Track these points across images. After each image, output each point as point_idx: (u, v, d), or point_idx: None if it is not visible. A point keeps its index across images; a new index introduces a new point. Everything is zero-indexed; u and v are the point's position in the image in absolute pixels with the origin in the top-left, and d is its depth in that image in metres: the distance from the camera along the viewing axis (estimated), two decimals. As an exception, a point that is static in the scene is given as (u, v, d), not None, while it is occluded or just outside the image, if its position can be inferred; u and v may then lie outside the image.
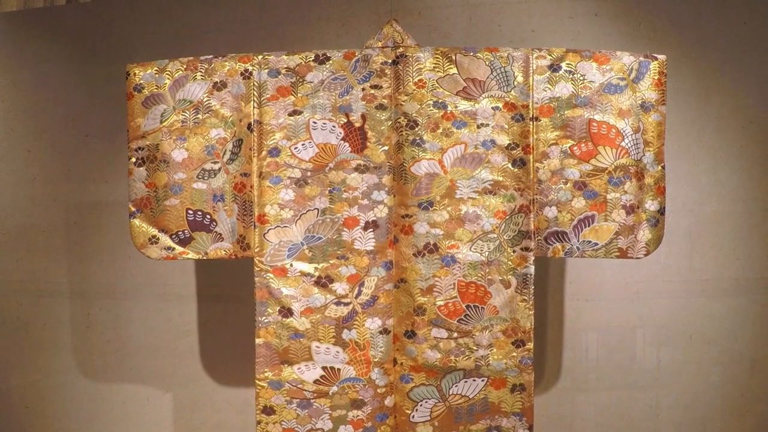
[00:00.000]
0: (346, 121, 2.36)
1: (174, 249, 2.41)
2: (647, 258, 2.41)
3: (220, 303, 3.13)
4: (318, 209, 2.36)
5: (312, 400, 2.38)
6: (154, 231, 2.42)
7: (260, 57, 2.37)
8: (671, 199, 2.87)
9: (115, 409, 3.24)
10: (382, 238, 2.36)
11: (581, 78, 2.32)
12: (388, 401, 2.40)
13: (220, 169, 2.39)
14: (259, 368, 2.37)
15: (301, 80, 2.36)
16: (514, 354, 2.35)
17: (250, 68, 2.37)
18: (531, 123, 2.33)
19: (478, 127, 2.34)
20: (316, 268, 2.36)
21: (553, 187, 2.33)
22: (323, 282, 2.36)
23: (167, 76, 2.39)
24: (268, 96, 2.36)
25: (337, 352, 2.37)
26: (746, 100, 2.92)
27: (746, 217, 2.93)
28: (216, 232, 2.40)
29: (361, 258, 2.36)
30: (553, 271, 2.99)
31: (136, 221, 2.42)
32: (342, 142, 2.36)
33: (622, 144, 2.31)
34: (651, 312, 2.97)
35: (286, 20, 3.07)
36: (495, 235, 2.33)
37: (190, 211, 2.39)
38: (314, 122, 2.36)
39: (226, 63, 2.38)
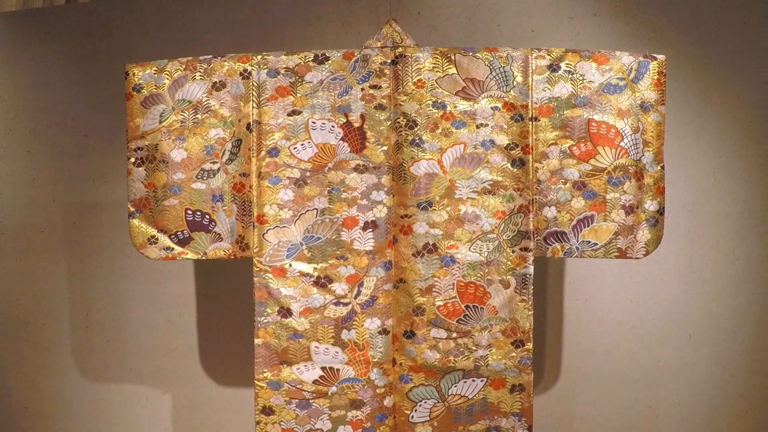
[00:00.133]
0: (345, 121, 2.36)
1: (173, 249, 2.41)
2: (647, 258, 2.41)
3: (220, 303, 3.13)
4: (317, 209, 2.36)
5: (311, 401, 2.38)
6: (153, 231, 2.42)
7: (259, 57, 2.37)
8: (670, 199, 2.86)
9: (115, 409, 3.24)
10: (381, 239, 2.36)
11: (580, 78, 2.32)
12: (388, 401, 2.40)
13: (219, 169, 2.39)
14: (258, 368, 2.37)
15: (300, 80, 2.36)
16: (514, 354, 2.35)
17: (249, 68, 2.37)
18: (530, 123, 2.33)
19: (478, 127, 2.33)
20: (315, 269, 2.36)
21: (553, 187, 2.33)
22: (322, 282, 2.36)
23: (166, 76, 2.39)
24: (267, 96, 2.36)
25: (336, 352, 2.37)
26: (746, 101, 2.91)
27: (746, 218, 2.93)
28: (215, 232, 2.40)
29: (360, 258, 2.36)
30: (552, 271, 2.99)
31: (135, 221, 2.42)
32: (341, 142, 2.36)
33: (622, 144, 2.30)
34: (650, 312, 2.97)
35: (285, 20, 3.07)
36: (494, 236, 2.33)
37: (189, 212, 2.39)
38: (313, 122, 2.36)
39: (225, 63, 2.38)
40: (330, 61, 2.36)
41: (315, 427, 2.38)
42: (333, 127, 2.36)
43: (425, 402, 2.38)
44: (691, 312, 2.96)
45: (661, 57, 2.34)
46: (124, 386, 3.22)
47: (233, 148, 2.39)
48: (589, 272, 2.98)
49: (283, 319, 2.36)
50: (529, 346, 2.35)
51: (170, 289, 3.16)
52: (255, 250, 2.36)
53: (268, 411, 2.38)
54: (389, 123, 2.35)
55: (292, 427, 2.38)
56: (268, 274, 2.36)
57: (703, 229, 2.94)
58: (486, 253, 2.33)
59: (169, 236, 2.41)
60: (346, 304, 2.37)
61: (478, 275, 2.33)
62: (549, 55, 2.33)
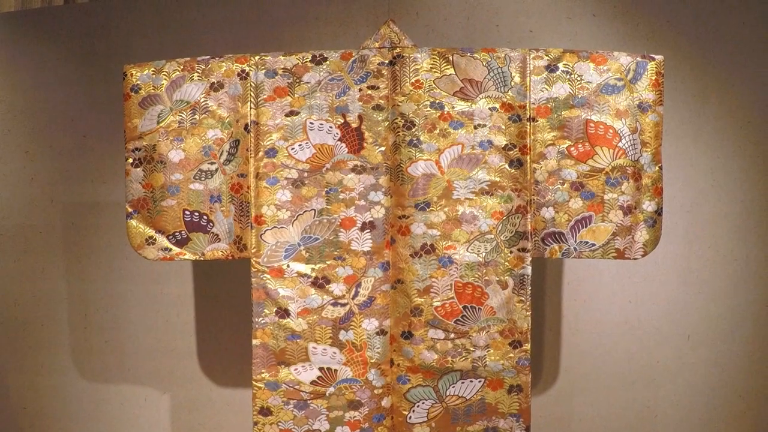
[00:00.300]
0: (343, 121, 2.36)
1: (171, 250, 2.41)
2: (645, 259, 2.41)
3: (218, 303, 3.13)
4: (315, 210, 2.36)
5: (309, 401, 2.38)
6: (151, 232, 2.41)
7: (257, 57, 2.37)
8: (669, 199, 2.86)
9: (114, 410, 3.24)
10: (378, 239, 2.36)
11: (578, 78, 2.32)
12: (385, 402, 2.40)
13: (217, 169, 2.39)
14: (255, 369, 2.37)
15: (298, 81, 2.36)
16: (511, 355, 2.35)
17: (247, 69, 2.37)
18: (528, 123, 2.32)
19: (475, 127, 2.33)
20: (312, 269, 2.36)
21: (550, 187, 2.33)
22: (320, 283, 2.36)
23: (164, 76, 2.39)
24: (264, 96, 2.36)
25: (334, 353, 2.37)
26: (744, 101, 2.92)
27: (744, 218, 2.93)
28: (213, 233, 2.40)
29: (358, 259, 2.36)
30: (551, 272, 2.99)
31: (133, 222, 2.42)
32: (339, 142, 2.36)
33: (620, 144, 2.30)
34: (648, 313, 2.97)
35: (283, 21, 3.07)
36: (492, 236, 2.33)
37: (187, 212, 2.39)
38: (311, 123, 2.36)
39: (223, 63, 2.38)
40: (328, 62, 2.36)
41: (313, 428, 2.38)
42: (331, 127, 2.36)
43: (423, 403, 2.38)
44: (690, 312, 2.96)
45: (659, 57, 2.34)
46: (122, 386, 3.22)
47: (231, 148, 2.39)
48: (588, 273, 2.98)
49: (280, 320, 2.36)
50: (527, 346, 2.35)
51: (168, 290, 3.16)
52: (253, 251, 2.36)
53: (265, 412, 2.38)
54: (387, 123, 2.35)
55: (290, 427, 2.38)
56: (265, 275, 2.36)
57: (701, 230, 2.94)
58: (484, 253, 2.33)
59: (167, 237, 2.41)
60: (343, 305, 2.37)
61: (476, 276, 2.33)
62: (547, 55, 2.33)
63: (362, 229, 2.36)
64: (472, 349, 2.34)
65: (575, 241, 2.33)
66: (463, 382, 2.36)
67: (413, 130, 2.34)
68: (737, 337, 2.95)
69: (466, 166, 2.34)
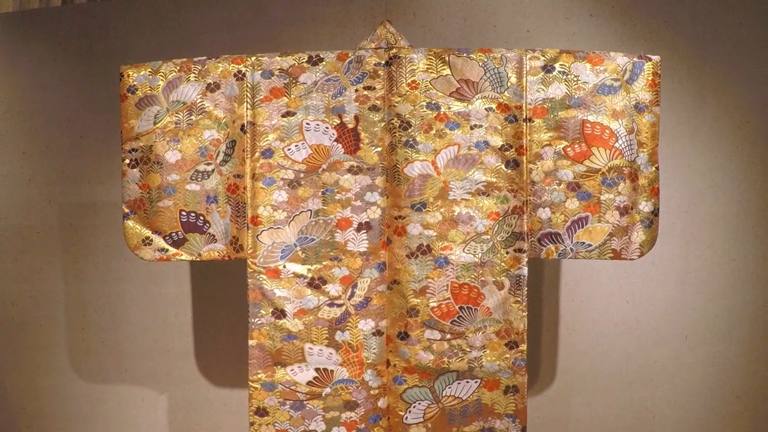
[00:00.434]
0: (339, 122, 2.36)
1: (167, 250, 2.41)
2: (642, 259, 2.41)
3: (215, 304, 3.13)
4: (311, 210, 2.36)
5: (305, 402, 2.38)
6: (147, 232, 2.42)
7: (253, 58, 2.37)
8: (666, 200, 2.86)
9: (111, 410, 3.24)
10: (375, 240, 2.36)
11: (575, 79, 2.31)
12: (382, 403, 2.39)
13: (213, 170, 2.39)
14: (252, 370, 2.37)
15: (294, 81, 2.36)
16: (508, 355, 2.35)
17: (244, 69, 2.37)
18: (524, 124, 2.32)
19: (472, 128, 2.33)
20: (309, 270, 2.36)
21: (547, 188, 2.32)
22: (316, 283, 2.36)
23: (161, 77, 2.39)
24: (261, 97, 2.36)
25: (330, 353, 2.37)
26: (742, 101, 2.91)
27: (741, 218, 2.92)
28: (209, 233, 2.40)
29: (354, 259, 2.36)
30: (548, 272, 2.99)
31: (130, 222, 2.42)
32: (335, 143, 2.36)
33: (616, 145, 2.30)
34: (646, 313, 2.97)
35: (281, 21, 3.07)
36: (488, 237, 2.33)
37: (184, 213, 2.39)
38: (307, 123, 2.36)
39: (220, 64, 2.38)
40: (324, 63, 2.36)
41: (309, 429, 2.38)
42: (327, 128, 2.36)
43: (419, 403, 2.38)
44: (687, 313, 2.96)
45: (655, 58, 2.33)
46: (120, 387, 3.22)
47: (227, 149, 2.39)
48: (585, 273, 2.98)
49: (277, 321, 2.36)
50: (523, 347, 2.35)
51: (166, 290, 3.17)
52: (249, 252, 2.36)
53: (262, 412, 2.38)
54: (383, 124, 2.35)
55: (286, 428, 2.38)
56: (262, 276, 2.36)
57: (699, 230, 2.94)
58: (480, 254, 2.33)
59: (164, 237, 2.41)
60: (339, 306, 2.37)
61: (472, 276, 2.33)
62: (543, 56, 2.32)
63: (358, 229, 2.36)
64: (468, 349, 2.34)
65: (572, 242, 2.33)
66: (459, 383, 2.36)
67: (409, 130, 2.33)
68: (735, 337, 2.95)
69: (462, 166, 2.33)
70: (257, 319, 2.36)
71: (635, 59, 2.32)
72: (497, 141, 2.33)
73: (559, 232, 2.33)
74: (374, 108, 2.35)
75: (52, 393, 3.28)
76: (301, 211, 2.36)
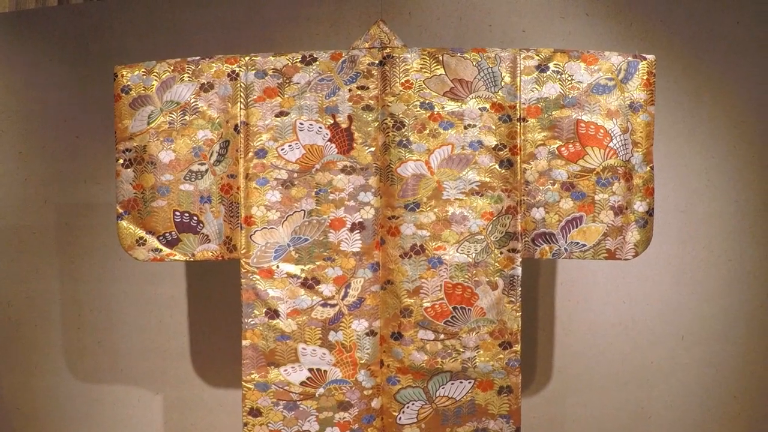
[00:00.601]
0: (332, 122, 2.35)
1: (161, 251, 2.41)
2: (638, 259, 2.40)
3: (211, 304, 3.13)
4: (304, 211, 2.36)
5: (298, 402, 2.38)
6: (141, 233, 2.42)
7: (247, 58, 2.37)
8: (663, 199, 2.85)
9: (107, 410, 3.24)
10: (368, 240, 2.36)
11: (569, 78, 2.31)
12: (375, 403, 2.39)
13: (207, 170, 2.39)
14: (245, 370, 2.37)
15: (287, 81, 2.36)
16: (501, 356, 2.34)
17: (237, 69, 2.36)
18: (518, 124, 2.32)
19: (465, 128, 2.33)
20: (302, 270, 2.36)
21: (541, 188, 2.32)
22: (309, 284, 2.36)
23: (154, 77, 2.39)
24: (254, 97, 2.36)
25: (324, 353, 2.37)
26: (738, 100, 2.90)
27: (738, 218, 2.91)
28: (203, 233, 2.40)
29: (348, 259, 2.35)
30: (543, 272, 2.98)
31: (124, 223, 2.42)
32: (328, 143, 2.35)
33: (611, 145, 2.29)
34: (642, 313, 2.96)
35: (276, 21, 3.07)
36: (482, 237, 2.32)
37: (177, 213, 2.39)
38: (301, 123, 2.36)
39: (213, 64, 2.38)
40: (317, 62, 2.36)
41: (302, 429, 2.38)
42: (320, 128, 2.36)
43: (413, 404, 2.38)
44: (684, 313, 2.95)
45: (650, 57, 2.33)
46: (115, 387, 3.22)
47: (221, 149, 2.38)
48: (581, 273, 2.97)
49: (270, 321, 2.36)
50: (517, 347, 2.34)
51: (162, 291, 3.17)
52: (242, 252, 2.35)
53: (255, 412, 2.38)
54: (377, 124, 2.35)
55: (280, 428, 2.38)
56: (255, 276, 2.36)
57: (695, 230, 2.93)
58: (474, 254, 2.32)
59: (158, 237, 2.41)
60: (333, 306, 2.36)
61: (466, 276, 2.32)
62: (537, 55, 2.32)
63: (352, 229, 2.35)
64: (461, 350, 2.34)
65: (566, 242, 2.32)
66: (452, 383, 2.36)
67: (403, 130, 2.33)
68: (731, 337, 2.94)
69: (455, 166, 2.33)
70: (250, 320, 2.36)
71: (630, 58, 2.31)
72: (491, 141, 2.33)
73: (553, 232, 2.32)
74: (368, 108, 2.35)
75: (47, 393, 3.28)
76: (295, 211, 2.36)
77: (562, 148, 2.31)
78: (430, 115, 2.33)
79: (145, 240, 2.41)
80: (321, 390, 2.37)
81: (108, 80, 2.74)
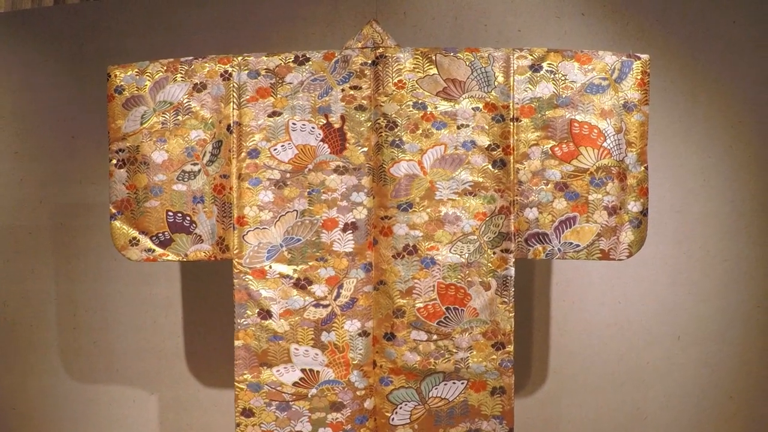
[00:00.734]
0: (325, 122, 2.35)
1: (154, 251, 2.41)
2: (634, 259, 2.39)
3: (206, 305, 3.13)
4: (297, 211, 2.35)
5: (291, 403, 2.37)
6: (134, 233, 2.41)
7: (240, 58, 2.36)
8: (659, 199, 2.84)
9: (102, 410, 3.24)
10: (361, 240, 2.35)
11: (563, 78, 2.30)
12: (368, 404, 2.38)
13: (199, 170, 2.39)
14: (238, 370, 2.37)
15: (280, 81, 2.35)
16: (494, 357, 2.33)
17: (230, 69, 2.36)
18: (511, 123, 2.31)
19: (458, 127, 2.32)
20: (294, 270, 2.35)
21: (534, 188, 2.31)
22: (302, 284, 2.35)
23: (147, 77, 2.39)
24: (247, 97, 2.36)
25: (316, 354, 2.36)
26: (734, 100, 2.89)
27: (734, 218, 2.90)
28: (196, 233, 2.40)
29: (340, 260, 2.35)
30: (539, 272, 2.97)
31: (117, 223, 2.42)
32: (321, 143, 2.35)
33: (604, 144, 2.29)
34: (638, 313, 2.95)
35: (272, 21, 3.06)
36: (475, 237, 2.32)
37: (170, 213, 2.39)
38: (293, 123, 2.35)
39: (206, 64, 2.38)
40: (310, 62, 2.35)
41: (295, 430, 2.37)
42: (313, 128, 2.35)
43: (406, 404, 2.37)
44: (680, 313, 2.94)
45: (644, 56, 2.32)
46: (111, 387, 3.22)
47: (214, 149, 2.38)
48: (577, 273, 2.96)
49: (262, 321, 2.36)
50: (510, 348, 2.33)
51: (157, 291, 3.16)
52: (235, 252, 2.35)
53: (248, 413, 2.38)
54: (369, 124, 2.34)
55: (272, 429, 2.37)
56: (248, 276, 2.35)
57: (691, 230, 2.92)
58: (467, 254, 2.32)
59: (151, 238, 2.41)
60: (325, 306, 2.36)
61: (459, 277, 2.32)
62: (531, 55, 2.31)
63: (344, 230, 2.35)
64: (454, 350, 2.33)
65: (559, 242, 2.31)
66: (445, 384, 2.35)
67: (396, 130, 2.32)
68: (728, 337, 2.93)
69: (448, 166, 2.32)
70: (243, 320, 2.36)
71: (624, 58, 2.30)
72: (484, 141, 2.32)
73: (547, 233, 2.32)
74: (360, 108, 2.34)
75: (43, 393, 3.29)
76: (287, 212, 2.36)
77: (556, 148, 2.30)
78: (423, 115, 2.32)
79: (138, 240, 2.41)
80: (313, 390, 2.37)
81: (104, 81, 2.73)
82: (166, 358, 3.16)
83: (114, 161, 2.42)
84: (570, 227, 2.31)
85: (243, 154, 2.35)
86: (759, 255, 2.90)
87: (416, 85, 2.32)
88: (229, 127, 2.36)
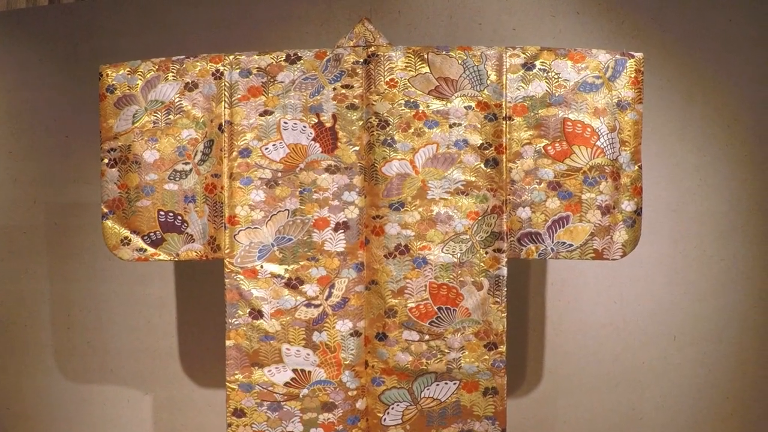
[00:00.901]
0: (316, 121, 2.34)
1: (146, 250, 2.40)
2: (630, 259, 2.38)
3: (200, 305, 3.12)
4: (288, 210, 2.34)
5: (282, 403, 2.36)
6: (126, 232, 2.41)
7: (231, 57, 2.35)
8: (654, 199, 2.83)
9: (96, 410, 3.24)
10: (352, 240, 2.34)
11: (556, 76, 2.28)
12: (360, 404, 2.37)
13: (191, 170, 2.38)
14: (229, 370, 2.36)
15: (272, 80, 2.34)
16: (486, 357, 2.32)
17: (222, 68, 2.35)
18: (504, 122, 2.30)
19: (450, 126, 2.31)
20: (286, 270, 2.34)
21: (527, 187, 2.30)
22: (293, 284, 2.34)
23: (139, 76, 2.38)
24: (239, 96, 2.35)
25: (308, 354, 2.35)
26: (730, 99, 2.87)
27: (731, 218, 2.88)
28: (187, 233, 2.39)
29: (332, 259, 2.34)
30: (534, 272, 2.96)
31: (109, 222, 2.42)
32: (313, 142, 2.34)
33: (598, 143, 2.27)
34: (634, 313, 2.93)
35: (266, 20, 3.06)
36: (467, 236, 2.30)
37: (162, 213, 2.38)
38: (285, 122, 2.34)
39: (198, 63, 2.37)
40: (302, 61, 2.34)
41: (286, 430, 2.36)
42: (305, 127, 2.34)
43: (398, 405, 2.36)
44: (676, 313, 2.92)
45: (638, 55, 2.30)
46: (105, 387, 3.22)
47: (205, 148, 2.37)
48: (572, 273, 2.94)
49: (254, 321, 2.35)
50: (503, 348, 2.32)
51: (151, 291, 3.16)
52: (226, 251, 2.34)
53: (239, 413, 2.37)
54: (361, 123, 2.33)
55: (264, 429, 2.36)
56: (239, 276, 2.34)
57: (687, 230, 2.90)
58: (459, 254, 2.30)
59: (142, 237, 2.40)
60: (317, 306, 2.35)
61: (451, 277, 2.30)
62: (524, 53, 2.29)
63: (336, 229, 2.34)
64: (446, 350, 2.32)
65: (552, 242, 2.30)
66: (437, 384, 2.34)
67: (387, 129, 2.31)
68: (724, 337, 2.91)
69: (441, 165, 2.31)
70: (234, 320, 2.35)
71: (617, 56, 2.28)
72: (476, 140, 2.30)
73: (540, 232, 2.30)
74: (352, 107, 2.33)
75: (37, 393, 3.28)
76: (279, 211, 2.35)
77: (549, 147, 2.29)
78: (415, 113, 2.31)
79: (130, 240, 2.40)
80: (305, 391, 2.36)
81: (98, 80, 2.73)
82: (160, 358, 3.15)
83: (106, 160, 2.41)
84: (563, 227, 2.29)
85: (234, 154, 2.34)
86: (755, 254, 2.89)
87: (408, 84, 2.31)
88: (220, 127, 2.35)
